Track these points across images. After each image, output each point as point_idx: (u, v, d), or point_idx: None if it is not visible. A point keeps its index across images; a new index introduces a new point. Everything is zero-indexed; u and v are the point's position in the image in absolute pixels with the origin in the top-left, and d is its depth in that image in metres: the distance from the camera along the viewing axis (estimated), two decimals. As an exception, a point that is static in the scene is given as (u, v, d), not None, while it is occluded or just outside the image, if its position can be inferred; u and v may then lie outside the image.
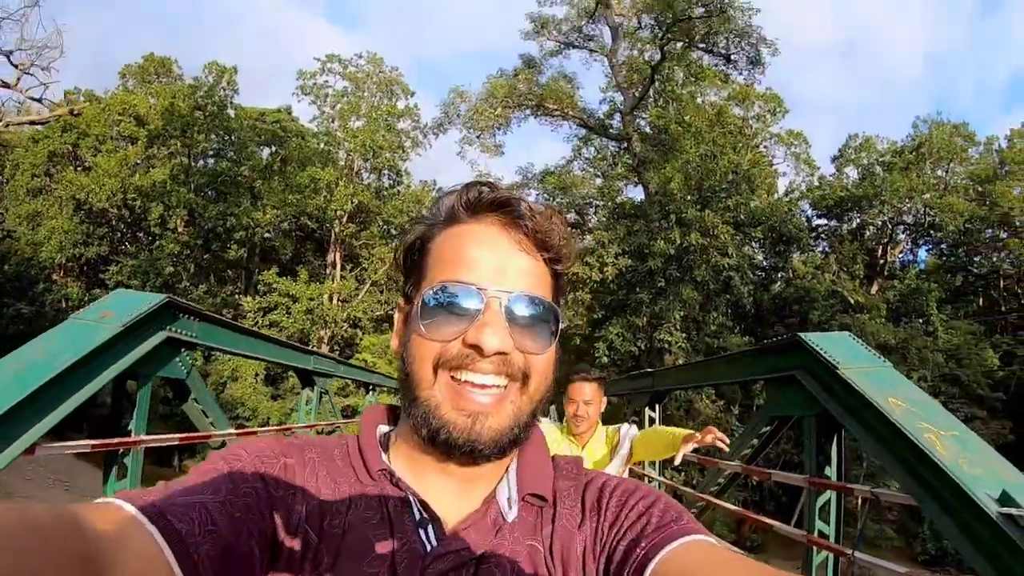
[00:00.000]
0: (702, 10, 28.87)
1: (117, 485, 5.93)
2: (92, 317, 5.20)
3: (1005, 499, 3.69)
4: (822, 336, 5.91)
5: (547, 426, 3.97)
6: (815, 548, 6.26)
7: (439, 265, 0.92)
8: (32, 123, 24.32)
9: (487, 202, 0.92)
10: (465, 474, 0.94)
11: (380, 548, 0.87)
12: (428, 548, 0.88)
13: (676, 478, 16.47)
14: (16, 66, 17.81)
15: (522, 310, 0.89)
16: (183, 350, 6.52)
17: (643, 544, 0.84)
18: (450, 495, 0.94)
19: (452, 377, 0.88)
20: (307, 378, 11.85)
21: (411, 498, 0.91)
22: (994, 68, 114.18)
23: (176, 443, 7.21)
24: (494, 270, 0.89)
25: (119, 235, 37.55)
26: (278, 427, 13.87)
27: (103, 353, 5.01)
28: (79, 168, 35.58)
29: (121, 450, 5.92)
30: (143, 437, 6.09)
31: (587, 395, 3.82)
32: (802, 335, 5.96)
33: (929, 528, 25.30)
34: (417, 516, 0.91)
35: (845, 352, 5.52)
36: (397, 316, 1.01)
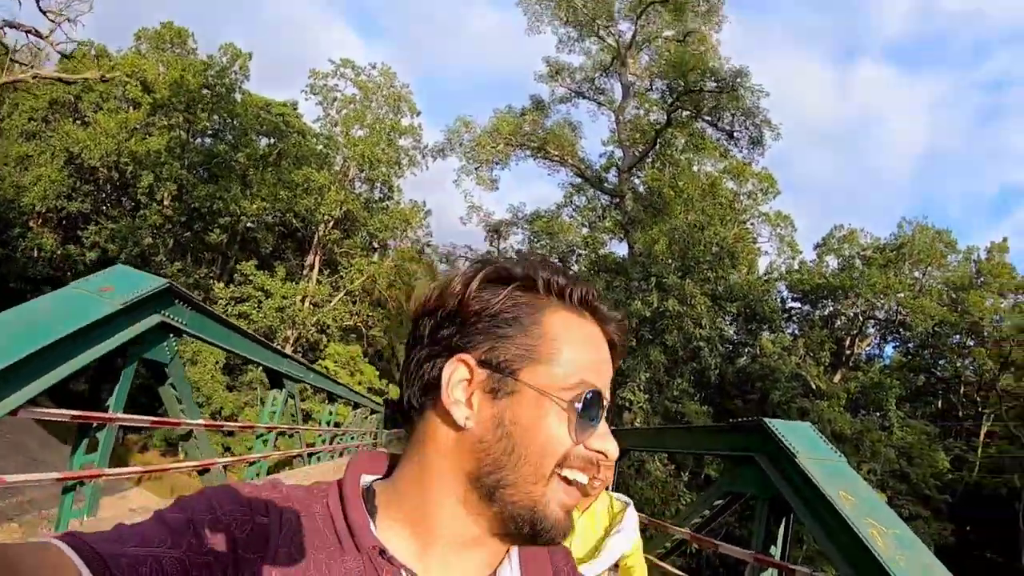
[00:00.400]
0: (714, 84, 29.42)
1: (85, 458, 6.00)
2: (92, 288, 5.30)
3: None
4: (784, 424, 6.29)
5: None
6: None
7: (573, 358, 0.84)
8: (60, 80, 24.04)
9: (610, 316, 0.90)
10: (485, 555, 0.89)
11: None
12: None
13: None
14: (45, 13, 17.66)
15: None
16: (171, 335, 6.65)
17: None
18: (455, 573, 0.88)
19: (563, 477, 0.83)
20: (277, 379, 11.95)
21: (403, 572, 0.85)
22: (985, 178, 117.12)
23: (148, 425, 7.29)
24: (607, 382, 0.87)
25: (104, 196, 37.27)
26: (242, 424, 13.89)
27: (102, 327, 5.12)
28: (78, 121, 35.37)
29: (95, 424, 5.96)
30: (120, 415, 6.16)
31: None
32: (766, 420, 6.32)
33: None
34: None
35: (804, 442, 5.88)
36: (460, 377, 0.84)
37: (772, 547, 6.55)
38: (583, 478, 0.83)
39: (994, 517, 35.16)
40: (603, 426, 0.85)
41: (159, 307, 6.07)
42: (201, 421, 8.50)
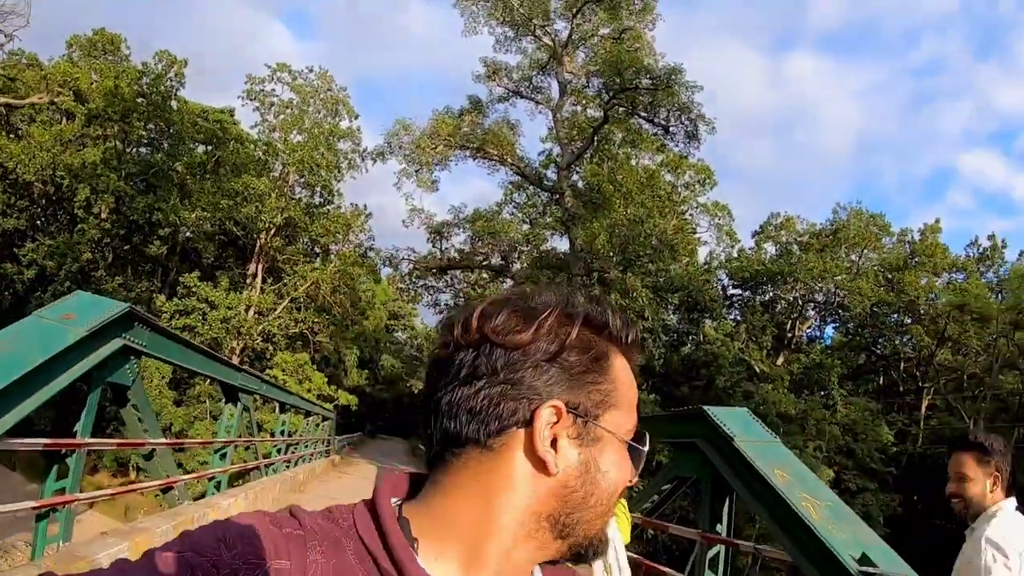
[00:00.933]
0: (649, 82, 29.88)
1: (56, 485, 6.15)
2: (54, 317, 5.46)
3: (864, 560, 4.52)
4: (723, 410, 6.77)
5: None
6: None
7: (629, 402, 0.87)
8: (8, 106, 23.37)
9: (638, 343, 0.91)
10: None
11: None
12: None
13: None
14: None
15: None
16: (132, 358, 6.80)
17: None
18: None
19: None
20: (232, 393, 12.04)
21: None
22: (919, 161, 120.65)
23: (114, 447, 7.44)
24: None
25: (40, 211, 36.43)
26: (203, 441, 13.95)
27: (68, 354, 5.29)
28: (11, 135, 34.40)
29: (64, 451, 6.13)
30: (88, 440, 6.37)
31: None
32: (706, 408, 6.83)
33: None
34: None
35: (741, 426, 6.32)
36: (550, 427, 0.81)
37: (719, 525, 7.04)
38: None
39: (940, 486, 36.42)
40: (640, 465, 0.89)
41: (121, 331, 6.27)
42: (164, 440, 8.85)
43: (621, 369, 0.86)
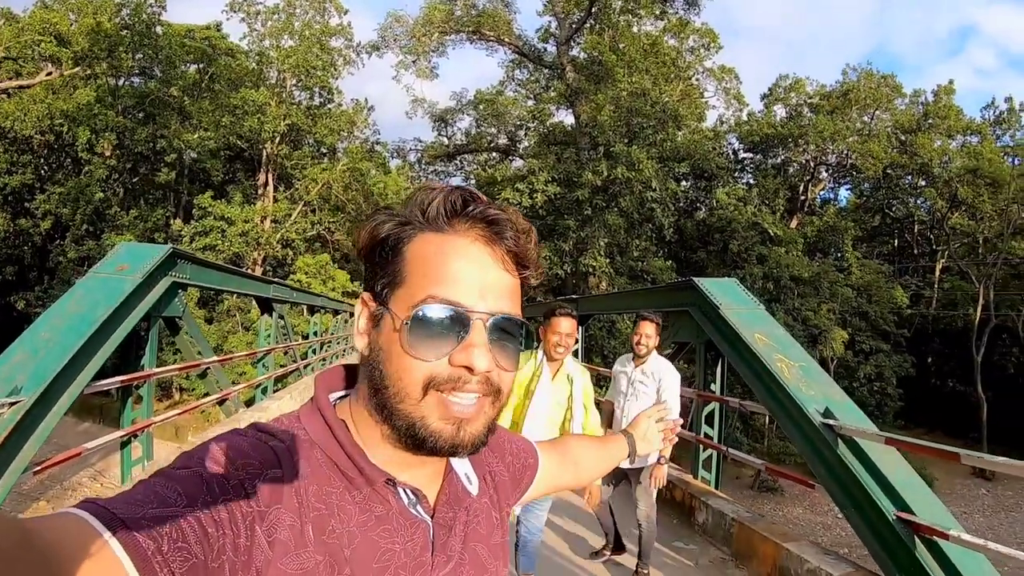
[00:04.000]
0: (644, -54, 29.00)
1: (133, 413, 7.16)
2: (110, 270, 6.15)
3: (827, 414, 5.07)
4: (712, 281, 7.39)
5: (527, 355, 4.45)
6: (702, 447, 7.93)
7: (422, 275, 0.88)
8: (20, 87, 23.26)
9: (473, 215, 0.90)
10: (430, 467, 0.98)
11: (388, 544, 0.88)
12: (430, 531, 0.93)
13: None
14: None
15: (502, 331, 0.89)
16: (179, 291, 7.63)
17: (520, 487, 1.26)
18: (420, 474, 0.95)
19: (439, 392, 0.87)
20: (267, 305, 12.98)
21: (400, 488, 0.92)
22: (938, 15, 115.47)
23: (177, 372, 8.30)
24: (479, 289, 0.87)
25: (44, 162, 36.52)
26: (248, 353, 14.76)
27: (130, 300, 5.98)
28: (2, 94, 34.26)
29: (136, 383, 7.02)
30: (155, 370, 7.28)
31: (567, 329, 4.38)
32: (696, 279, 7.54)
33: (778, 434, 27.86)
34: (406, 499, 0.93)
35: (728, 295, 6.83)
36: (361, 310, 0.93)
37: (712, 385, 7.72)
38: (463, 397, 0.87)
39: (951, 350, 37.12)
40: (470, 339, 0.86)
41: (168, 270, 6.98)
42: (216, 358, 9.82)
43: (424, 248, 0.89)
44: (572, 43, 34.16)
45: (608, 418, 5.61)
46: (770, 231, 33.41)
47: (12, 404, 4.28)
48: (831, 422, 4.91)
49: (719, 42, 40.95)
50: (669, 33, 38.70)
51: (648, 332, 5.35)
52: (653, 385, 5.37)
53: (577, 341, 6.05)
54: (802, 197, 41.89)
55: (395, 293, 0.89)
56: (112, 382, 6.23)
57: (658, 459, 5.12)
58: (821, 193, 44.72)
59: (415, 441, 0.88)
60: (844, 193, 46.19)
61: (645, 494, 5.38)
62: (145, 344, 7.16)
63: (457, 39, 35.45)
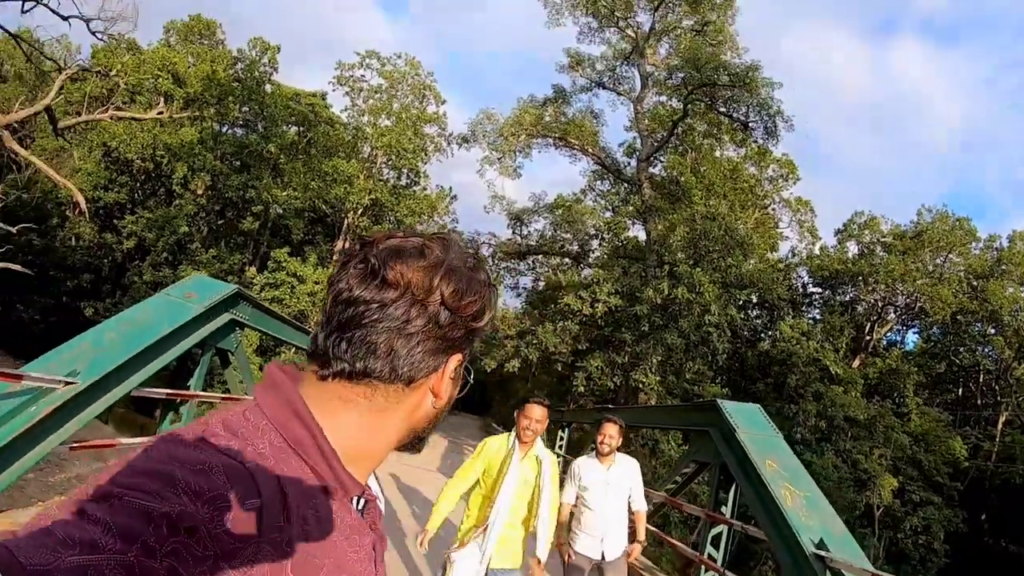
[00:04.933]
0: (727, 78, 29.72)
1: (170, 427, 7.63)
2: (179, 295, 6.81)
3: (820, 545, 5.23)
4: (735, 405, 7.53)
5: (501, 438, 5.10)
6: (703, 567, 7.92)
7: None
8: (134, 119, 25.28)
9: None
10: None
11: (354, 554, 0.89)
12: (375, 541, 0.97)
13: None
14: (94, 33, 19.00)
15: None
16: (236, 328, 8.25)
17: None
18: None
19: None
20: None
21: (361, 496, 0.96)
22: (1018, 161, 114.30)
23: (219, 399, 8.94)
24: None
25: (139, 186, 38.39)
26: None
27: (189, 325, 6.59)
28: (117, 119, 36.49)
29: (179, 400, 7.58)
30: (199, 392, 7.80)
31: (538, 415, 4.91)
32: (720, 400, 7.61)
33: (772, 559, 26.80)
34: (359, 505, 0.96)
35: (747, 420, 7.02)
36: (455, 363, 0.97)
37: (724, 507, 7.80)
38: None
39: (1008, 507, 35.48)
40: None
41: (229, 307, 7.65)
42: None
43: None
44: (653, 160, 34.93)
45: (565, 521, 5.86)
46: (831, 369, 32.90)
47: (67, 384, 4.79)
48: (823, 553, 5.04)
49: (797, 173, 41.50)
50: (750, 160, 39.25)
51: (611, 433, 5.74)
52: (627, 482, 5.74)
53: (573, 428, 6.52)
54: (867, 337, 41.22)
55: (462, 352, 0.99)
56: (157, 392, 6.73)
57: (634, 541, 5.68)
58: (887, 335, 43.95)
59: (420, 440, 1.01)
60: (911, 336, 45.29)
61: (618, 571, 5.64)
62: (195, 368, 7.78)
63: (543, 143, 36.49)
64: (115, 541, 0.61)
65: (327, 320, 0.91)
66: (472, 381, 1.04)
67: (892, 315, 42.86)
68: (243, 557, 0.69)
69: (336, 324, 0.89)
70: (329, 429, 0.87)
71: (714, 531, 8.01)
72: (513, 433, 4.98)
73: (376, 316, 0.88)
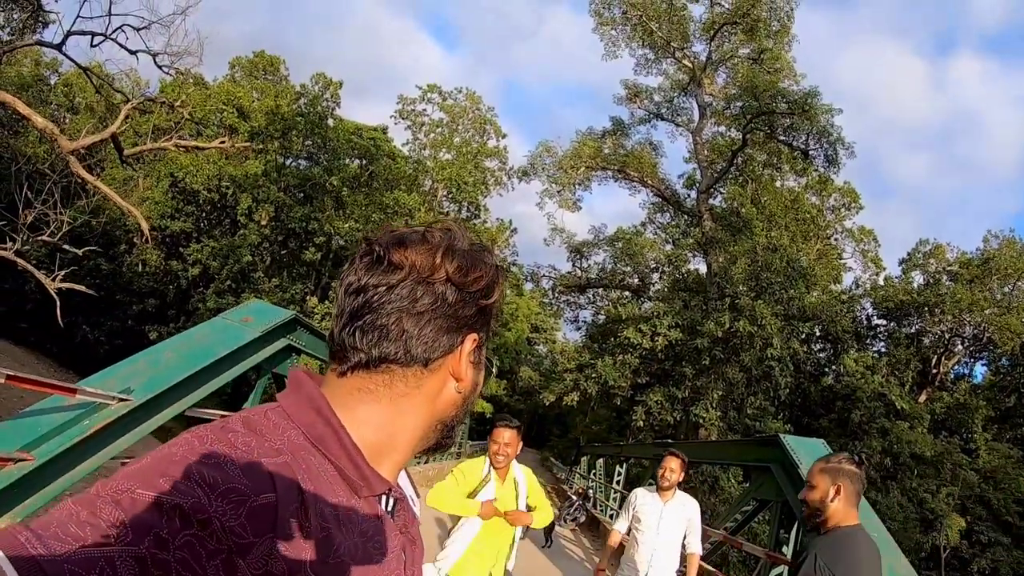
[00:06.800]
0: (786, 106, 29.55)
1: None
2: (237, 319, 6.91)
3: None
4: (796, 439, 7.27)
5: (477, 462, 4.96)
6: None
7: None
8: (197, 148, 26.26)
9: None
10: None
11: (379, 554, 0.87)
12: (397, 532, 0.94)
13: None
14: (161, 67, 19.75)
15: None
16: (294, 354, 8.36)
17: None
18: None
19: None
20: None
21: (389, 494, 0.96)
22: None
23: None
24: None
25: (205, 216, 39.38)
26: None
27: (246, 349, 6.66)
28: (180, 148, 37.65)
29: None
30: None
31: (507, 439, 4.78)
32: (782, 436, 7.33)
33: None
34: (388, 505, 0.96)
35: (810, 456, 6.80)
36: (471, 343, 0.96)
37: (785, 547, 7.53)
38: None
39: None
40: None
41: (286, 333, 7.67)
42: None
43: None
44: (713, 191, 34.75)
45: (617, 548, 5.84)
46: (896, 404, 32.08)
47: (121, 400, 4.89)
48: (889, 598, 4.84)
49: (860, 201, 40.88)
50: (811, 190, 38.78)
51: (672, 467, 5.62)
52: (683, 521, 5.61)
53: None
54: (934, 370, 39.99)
55: (481, 338, 1.01)
56: (211, 412, 6.81)
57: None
58: (955, 367, 42.58)
59: (449, 435, 1.00)
60: (979, 368, 43.71)
61: None
62: (251, 392, 7.88)
63: (603, 175, 36.59)
64: (127, 533, 0.61)
65: (340, 314, 0.92)
66: (494, 371, 1.02)
67: (959, 347, 41.53)
68: (258, 552, 0.68)
69: (348, 315, 0.91)
70: (351, 423, 0.87)
71: (775, 572, 7.66)
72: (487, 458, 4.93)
73: (384, 298, 0.89)
